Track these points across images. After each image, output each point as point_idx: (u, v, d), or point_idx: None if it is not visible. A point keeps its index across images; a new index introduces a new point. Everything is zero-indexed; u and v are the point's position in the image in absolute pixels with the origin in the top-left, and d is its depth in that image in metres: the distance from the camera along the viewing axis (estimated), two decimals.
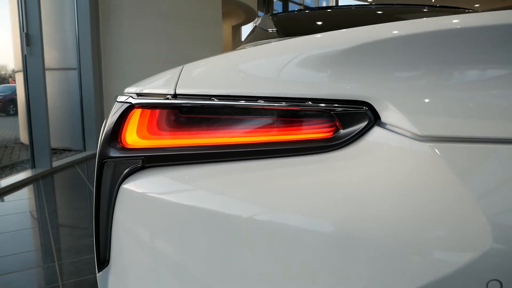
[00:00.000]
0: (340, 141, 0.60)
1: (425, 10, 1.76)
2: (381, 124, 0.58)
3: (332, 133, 0.61)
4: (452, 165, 0.51)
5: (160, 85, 0.72)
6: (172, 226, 0.64)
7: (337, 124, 0.60)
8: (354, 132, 0.59)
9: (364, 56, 0.58)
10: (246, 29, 12.45)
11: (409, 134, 0.55)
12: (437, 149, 0.53)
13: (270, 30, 1.40)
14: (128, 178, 0.68)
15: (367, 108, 0.58)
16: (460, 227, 0.49)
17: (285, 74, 0.62)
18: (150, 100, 0.69)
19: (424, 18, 0.58)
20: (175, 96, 0.67)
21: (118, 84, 5.93)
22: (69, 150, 5.73)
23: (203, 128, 0.67)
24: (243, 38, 12.65)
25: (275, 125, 0.64)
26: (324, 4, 18.37)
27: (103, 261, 0.76)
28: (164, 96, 0.68)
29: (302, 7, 15.61)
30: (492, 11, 0.58)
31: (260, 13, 14.46)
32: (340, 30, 0.63)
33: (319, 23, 1.62)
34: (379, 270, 0.52)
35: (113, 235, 0.72)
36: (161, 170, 0.67)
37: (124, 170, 0.68)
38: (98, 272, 0.78)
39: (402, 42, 0.56)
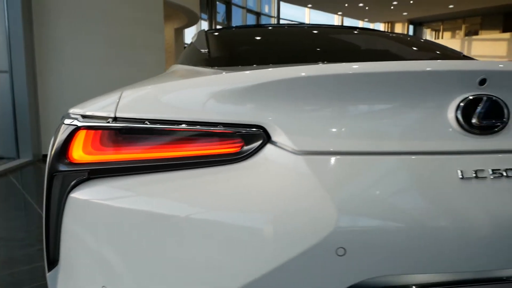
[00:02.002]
0: (244, 155, 0.80)
1: (355, 32, 1.97)
2: (272, 142, 0.79)
3: (238, 148, 0.80)
4: (317, 171, 0.74)
5: (102, 108, 0.87)
6: (113, 227, 0.80)
7: (242, 142, 0.80)
8: (253, 148, 0.79)
9: (260, 92, 0.78)
10: (189, 32, 12.46)
11: (290, 149, 0.77)
12: (308, 160, 0.75)
13: (202, 50, 1.57)
14: (75, 188, 0.83)
15: (261, 131, 0.79)
16: (319, 213, 0.72)
17: (202, 104, 0.81)
18: (94, 123, 0.84)
19: (300, 66, 0.80)
20: (115, 119, 0.83)
21: (55, 87, 5.72)
22: (1, 158, 5.44)
23: (140, 145, 0.83)
24: (185, 41, 12.63)
25: (196, 142, 0.82)
26: (266, 9, 18.84)
27: (53, 262, 0.90)
28: (106, 119, 0.83)
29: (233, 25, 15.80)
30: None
31: (204, 15, 14.52)
32: (243, 72, 0.84)
33: (250, 43, 1.80)
34: (265, 248, 0.73)
35: (62, 237, 0.86)
36: (104, 181, 0.82)
37: (72, 182, 0.83)
38: (48, 271, 0.92)
39: (285, 83, 0.78)
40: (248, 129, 0.79)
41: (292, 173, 0.75)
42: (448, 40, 22.78)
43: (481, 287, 0.77)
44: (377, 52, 1.65)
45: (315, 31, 1.88)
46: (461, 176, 0.74)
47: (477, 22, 22.05)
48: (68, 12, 5.73)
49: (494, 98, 0.77)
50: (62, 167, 0.84)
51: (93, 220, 0.82)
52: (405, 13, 21.56)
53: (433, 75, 0.77)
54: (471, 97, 0.77)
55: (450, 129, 0.78)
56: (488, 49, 19.95)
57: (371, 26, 24.54)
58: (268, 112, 0.78)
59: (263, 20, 18.12)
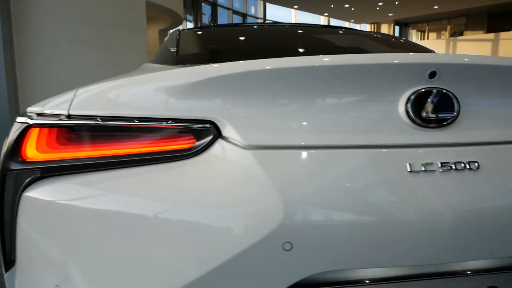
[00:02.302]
0: (195, 150, 0.79)
1: (333, 32, 1.98)
2: (223, 137, 0.79)
3: (190, 144, 0.80)
4: (264, 165, 0.74)
5: (56, 106, 0.85)
6: (65, 226, 0.79)
7: (193, 138, 0.80)
8: (204, 143, 0.79)
9: (209, 87, 0.78)
10: None
11: (240, 144, 0.77)
12: (256, 154, 0.76)
13: (171, 49, 1.57)
14: (29, 187, 0.81)
15: (212, 126, 0.79)
16: (265, 208, 0.72)
17: (153, 100, 0.80)
18: (46, 121, 0.83)
19: (247, 61, 0.80)
20: (69, 116, 0.82)
21: (37, 90, 5.63)
22: None
23: (92, 143, 0.82)
24: None
25: (148, 139, 0.82)
26: (252, 10, 18.87)
27: (9, 262, 0.88)
28: (59, 116, 0.82)
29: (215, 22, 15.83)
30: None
31: (189, 17, 14.47)
32: (192, 67, 0.83)
33: (221, 41, 1.80)
34: (213, 244, 0.73)
35: (17, 237, 0.85)
36: (57, 179, 0.81)
37: (25, 180, 0.81)
38: (6, 272, 0.90)
39: (233, 78, 0.78)
40: (198, 124, 0.79)
41: (240, 168, 0.75)
42: (434, 41, 23.10)
43: (433, 281, 0.78)
44: (344, 48, 1.66)
45: (287, 30, 1.89)
46: (409, 170, 0.75)
47: (462, 22, 22.40)
48: (48, 14, 5.65)
49: (444, 91, 0.78)
50: (14, 166, 0.82)
51: (46, 218, 0.81)
52: (390, 14, 21.80)
53: (383, 68, 0.78)
54: (421, 91, 0.78)
55: (401, 123, 0.78)
56: (473, 50, 20.28)
57: (357, 27, 24.77)
58: (218, 107, 0.78)
59: (250, 22, 18.14)
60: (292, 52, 1.52)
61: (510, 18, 20.01)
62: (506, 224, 0.76)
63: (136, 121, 0.79)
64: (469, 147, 0.79)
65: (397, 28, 24.84)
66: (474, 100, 0.81)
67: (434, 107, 0.78)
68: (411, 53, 0.81)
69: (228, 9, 16.55)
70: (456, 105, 0.79)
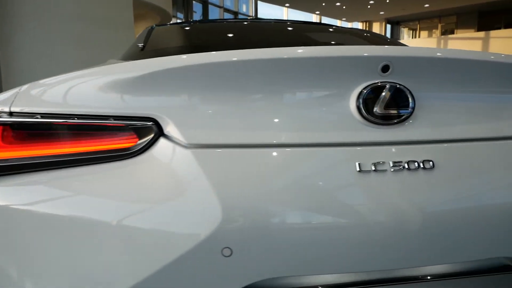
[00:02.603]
0: (137, 149, 0.74)
1: (309, 27, 1.93)
2: (164, 136, 0.73)
3: (131, 143, 0.75)
4: (205, 165, 0.69)
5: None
6: (2, 226, 0.73)
7: (135, 136, 0.75)
8: (145, 142, 0.74)
9: (150, 83, 0.73)
10: None
11: (181, 143, 0.71)
12: (196, 153, 0.70)
13: (139, 45, 1.51)
14: None
15: (154, 124, 0.73)
16: (204, 211, 0.67)
17: (93, 96, 0.75)
18: None
19: (191, 54, 0.74)
20: (10, 114, 0.76)
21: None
22: None
23: (33, 141, 0.77)
24: None
25: (88, 138, 0.76)
26: (244, 8, 18.79)
27: None
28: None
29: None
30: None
31: (180, 15, 14.36)
32: (133, 62, 0.78)
33: (190, 37, 1.75)
34: (151, 248, 0.67)
35: None
36: None
37: None
38: None
39: (175, 73, 0.72)
40: (139, 122, 0.74)
41: (181, 169, 0.70)
42: (425, 39, 23.19)
43: (387, 287, 0.73)
44: (309, 43, 1.60)
45: (260, 25, 1.83)
46: (358, 170, 0.70)
47: (453, 21, 22.52)
48: (33, 12, 5.55)
49: (398, 86, 0.74)
50: None
51: None
52: (382, 12, 21.84)
53: (333, 62, 0.73)
54: (373, 85, 0.73)
55: (352, 120, 0.73)
56: (464, 48, 20.20)
57: (349, 25, 24.80)
58: (160, 104, 0.73)
59: None
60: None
61: (500, 16, 20.16)
62: (461, 227, 0.72)
63: (76, 118, 0.74)
64: (424, 145, 0.74)
65: (388, 26, 24.91)
66: (430, 96, 0.76)
67: (387, 103, 0.73)
68: (363, 46, 0.76)
69: (219, 7, 16.44)
70: (410, 100, 0.74)
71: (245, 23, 1.98)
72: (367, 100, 0.73)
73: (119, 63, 0.85)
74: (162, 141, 0.74)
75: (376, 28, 24.51)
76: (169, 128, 0.73)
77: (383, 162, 0.71)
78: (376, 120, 0.73)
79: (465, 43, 20.45)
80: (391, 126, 0.74)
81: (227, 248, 0.66)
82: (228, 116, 0.73)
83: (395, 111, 0.74)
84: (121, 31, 6.53)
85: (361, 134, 0.73)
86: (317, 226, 0.68)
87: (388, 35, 25.01)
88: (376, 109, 0.73)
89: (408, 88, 0.74)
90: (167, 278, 0.67)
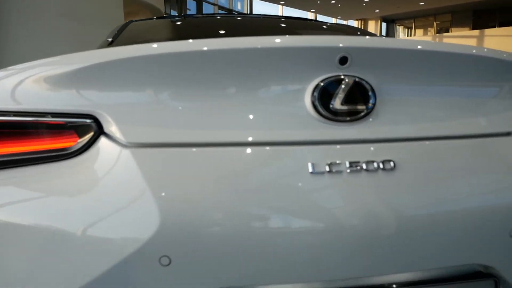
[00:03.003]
0: (77, 148, 0.68)
1: (284, 21, 1.88)
2: (105, 134, 0.67)
3: (71, 142, 0.69)
4: (144, 167, 0.63)
5: None
6: None
7: (74, 134, 0.69)
8: (85, 141, 0.68)
9: (90, 77, 0.67)
10: None
11: (122, 142, 0.65)
12: (136, 153, 0.64)
13: (108, 39, 1.45)
14: None
15: (93, 121, 0.67)
16: (141, 216, 0.61)
17: (30, 91, 0.68)
18: None
19: (129, 46, 0.68)
20: None
21: None
22: None
23: None
24: None
25: (25, 137, 0.70)
26: (239, 6, 18.69)
27: None
28: None
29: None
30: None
31: (173, 12, 14.24)
32: (70, 55, 0.72)
33: (163, 33, 1.69)
34: (87, 256, 0.61)
35: None
36: None
37: None
38: None
39: (115, 66, 0.66)
40: (79, 119, 0.68)
41: (120, 169, 0.64)
42: (420, 37, 23.18)
43: None
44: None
45: (235, 20, 1.78)
46: (311, 171, 0.64)
47: (448, 19, 22.52)
48: (21, 8, 5.46)
49: (357, 79, 0.68)
50: None
51: None
52: (377, 10, 21.80)
53: (286, 53, 0.67)
54: (330, 79, 0.67)
55: (307, 116, 0.68)
56: None
57: (344, 23, 24.75)
58: (100, 100, 0.67)
59: None
60: None
61: (495, 15, 20.19)
62: (422, 233, 0.66)
63: (11, 116, 0.68)
64: (384, 144, 0.69)
65: (384, 24, 24.87)
66: (393, 90, 0.71)
67: (345, 98, 0.67)
68: (319, 36, 0.70)
69: (214, 4, 16.34)
70: (371, 95, 0.68)
71: (224, 18, 1.92)
72: (323, 95, 0.67)
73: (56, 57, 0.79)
74: (102, 140, 0.68)
75: (372, 26, 24.47)
76: (110, 126, 0.67)
77: (339, 163, 0.65)
78: (333, 117, 0.67)
79: (460, 41, 20.44)
80: (349, 123, 0.68)
81: (165, 257, 0.60)
82: (171, 114, 0.67)
83: (354, 107, 0.68)
84: (111, 28, 6.44)
85: (316, 132, 0.67)
86: (264, 232, 0.62)
87: (384, 33, 25.00)
88: (333, 105, 0.67)
89: (369, 82, 0.68)
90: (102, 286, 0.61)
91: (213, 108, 0.67)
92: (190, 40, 0.67)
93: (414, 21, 24.19)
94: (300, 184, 0.64)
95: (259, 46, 0.66)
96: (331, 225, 0.63)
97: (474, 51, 0.73)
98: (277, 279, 0.64)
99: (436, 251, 0.69)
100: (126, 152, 0.65)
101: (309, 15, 22.35)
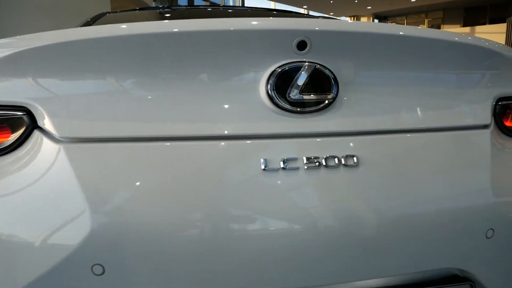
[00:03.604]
0: (9, 143, 0.61)
1: (259, 11, 1.83)
2: (38, 128, 0.60)
3: (6, 137, 0.62)
4: (77, 164, 0.56)
5: None
6: None
7: (8, 129, 0.61)
8: (19, 135, 0.60)
9: (21, 64, 0.59)
10: None
11: (55, 136, 0.58)
12: (69, 149, 0.57)
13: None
14: None
15: (26, 114, 0.60)
16: (72, 220, 0.54)
17: None
18: None
19: (63, 30, 0.61)
20: None
21: None
22: None
23: None
24: None
25: None
26: (231, 1, 18.53)
27: None
28: None
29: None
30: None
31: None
32: (4, 39, 0.64)
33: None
34: (13, 264, 0.54)
35: None
36: None
37: None
38: None
39: (49, 52, 0.58)
40: (11, 111, 0.60)
41: (53, 167, 0.57)
42: None
43: None
44: None
45: (211, 12, 1.71)
46: (263, 167, 0.57)
47: (439, 16, 22.59)
48: (6, 5, 5.31)
49: (317, 66, 0.61)
50: None
51: None
52: (369, 7, 21.78)
53: (239, 37, 0.60)
54: (286, 66, 0.60)
55: (262, 107, 0.61)
56: None
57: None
58: (32, 92, 0.60)
59: None
60: None
61: (486, 12, 20.30)
62: (391, 235, 0.60)
63: None
64: (346, 138, 0.62)
65: (376, 21, 24.89)
66: (356, 78, 0.64)
67: (304, 87, 0.61)
68: (276, 18, 0.63)
69: (205, 0, 16.16)
70: (333, 84, 0.62)
71: (201, 10, 1.85)
72: (280, 84, 0.60)
73: None
74: (36, 134, 0.60)
75: None
76: (43, 119, 0.59)
77: (295, 159, 0.58)
78: (291, 108, 0.61)
79: None
80: (308, 114, 0.62)
81: (98, 265, 0.53)
82: (108, 106, 0.59)
83: (313, 97, 0.61)
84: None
85: (271, 125, 0.60)
86: (208, 236, 0.55)
87: None
88: (291, 95, 0.60)
89: (330, 69, 0.62)
90: None
91: (156, 100, 0.60)
92: (129, 24, 0.59)
93: (406, 18, 24.22)
94: (251, 182, 0.57)
95: (206, 29, 0.59)
96: (285, 228, 0.57)
97: (447, 36, 0.67)
98: (220, 286, 0.57)
99: (408, 255, 0.63)
100: (59, 148, 0.58)
101: (302, 12, 22.27)
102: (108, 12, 1.78)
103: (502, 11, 18.78)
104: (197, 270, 0.56)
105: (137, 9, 2.03)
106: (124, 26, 0.60)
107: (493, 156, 0.68)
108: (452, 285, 0.68)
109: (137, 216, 0.55)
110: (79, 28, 0.63)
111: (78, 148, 0.58)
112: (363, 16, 24.26)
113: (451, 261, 0.66)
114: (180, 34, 0.58)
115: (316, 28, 0.61)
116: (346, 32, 0.62)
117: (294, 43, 0.60)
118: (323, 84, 0.62)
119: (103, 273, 0.53)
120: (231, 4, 18.49)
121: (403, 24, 24.53)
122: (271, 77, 0.60)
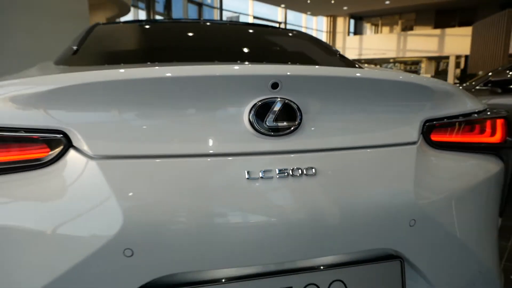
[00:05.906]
0: (50, 159, 0.79)
1: (244, 27, 1.99)
2: (74, 148, 0.79)
3: (46, 153, 0.80)
4: (107, 174, 0.76)
5: None
6: None
7: (45, 148, 0.80)
8: (57, 152, 0.79)
9: (60, 97, 0.78)
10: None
11: (89, 154, 0.77)
12: (100, 164, 0.77)
13: (73, 47, 1.51)
14: None
15: (63, 136, 0.79)
16: (106, 217, 0.74)
17: (4, 108, 0.79)
18: None
19: (94, 72, 0.80)
20: None
21: None
22: None
23: None
24: None
25: (9, 147, 0.80)
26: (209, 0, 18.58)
27: None
28: None
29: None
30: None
31: (141, 4, 14.02)
32: (43, 76, 0.83)
33: (127, 40, 1.76)
34: (55, 253, 0.74)
35: None
36: None
37: None
38: None
39: (81, 89, 0.78)
40: (49, 134, 0.79)
41: (86, 177, 0.77)
42: (386, 35, 23.94)
43: (280, 277, 0.83)
44: (233, 51, 1.66)
45: (197, 27, 1.88)
46: (247, 177, 0.79)
47: (412, 18, 23.36)
48: None
49: (286, 101, 0.83)
50: None
51: None
52: (345, 8, 22.27)
53: (227, 80, 0.81)
54: (264, 101, 0.82)
55: (245, 132, 0.82)
56: (421, 44, 21.26)
57: (314, 19, 25.13)
58: (68, 118, 0.78)
59: (205, 12, 17.90)
60: (195, 52, 1.52)
61: (455, 15, 21.13)
62: (341, 224, 0.83)
63: None
64: (308, 154, 0.84)
65: (352, 21, 25.46)
66: (315, 109, 0.86)
67: (277, 116, 0.82)
68: (255, 65, 0.84)
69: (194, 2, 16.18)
70: (298, 114, 0.84)
71: (190, 24, 2.00)
72: (259, 114, 0.82)
73: (27, 78, 0.89)
74: (71, 152, 0.79)
75: (340, 23, 25.00)
76: (77, 140, 0.78)
77: (270, 170, 0.80)
78: (267, 132, 0.82)
79: (423, 39, 21.33)
80: (280, 137, 0.83)
81: (129, 249, 0.73)
82: (131, 130, 0.79)
83: (284, 124, 0.83)
84: (74, 21, 6.31)
85: (253, 145, 0.82)
86: (209, 226, 0.77)
87: (352, 30, 25.62)
88: (267, 122, 0.82)
89: (296, 103, 0.83)
90: (71, 281, 0.74)
91: (167, 126, 0.80)
92: (141, 69, 0.79)
93: (381, 19, 24.92)
94: (237, 187, 0.79)
95: (204, 75, 0.80)
96: (264, 220, 0.79)
97: (383, 76, 0.90)
98: (220, 264, 0.79)
99: (353, 238, 0.86)
100: (92, 163, 0.77)
101: (279, 11, 22.56)
102: (101, 24, 1.90)
103: (470, 15, 19.61)
104: (197, 252, 0.77)
105: (129, 22, 2.17)
106: (135, 71, 0.80)
107: (417, 165, 0.92)
108: (388, 261, 0.92)
109: (155, 213, 0.75)
110: (96, 72, 0.82)
111: (107, 163, 0.77)
112: (340, 16, 24.76)
113: (386, 243, 0.89)
114: (183, 79, 0.79)
115: (287, 73, 0.83)
116: (308, 76, 0.84)
117: (269, 84, 0.81)
118: (291, 114, 0.83)
119: (132, 255, 0.74)
120: (209, 2, 18.53)
121: (378, 24, 25.23)
122: (253, 108, 0.81)
